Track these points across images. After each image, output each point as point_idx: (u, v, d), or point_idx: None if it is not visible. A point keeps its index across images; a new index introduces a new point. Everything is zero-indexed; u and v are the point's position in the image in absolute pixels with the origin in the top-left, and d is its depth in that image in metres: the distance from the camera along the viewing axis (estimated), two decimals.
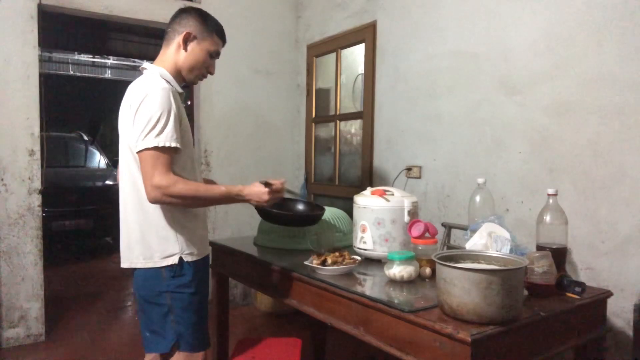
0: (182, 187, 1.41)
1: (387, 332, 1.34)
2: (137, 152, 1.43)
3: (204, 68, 1.61)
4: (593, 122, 1.90)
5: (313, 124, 3.75)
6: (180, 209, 1.52)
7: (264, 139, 3.78)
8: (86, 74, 10.83)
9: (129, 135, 1.49)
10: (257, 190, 1.54)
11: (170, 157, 1.42)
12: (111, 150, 7.19)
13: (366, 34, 3.08)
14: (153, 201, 1.43)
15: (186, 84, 1.64)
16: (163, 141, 1.40)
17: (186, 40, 1.56)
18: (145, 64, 1.62)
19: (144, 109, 1.42)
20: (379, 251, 1.77)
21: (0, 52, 2.82)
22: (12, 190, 2.88)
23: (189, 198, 1.44)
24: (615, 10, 1.82)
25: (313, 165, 3.75)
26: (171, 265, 1.51)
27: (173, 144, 1.42)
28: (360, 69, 3.23)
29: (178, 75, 1.59)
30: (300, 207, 2.12)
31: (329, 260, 1.66)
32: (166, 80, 1.52)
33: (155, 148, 1.40)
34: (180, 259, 1.52)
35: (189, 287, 1.54)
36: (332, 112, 3.58)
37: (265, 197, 1.54)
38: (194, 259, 1.56)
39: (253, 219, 2.54)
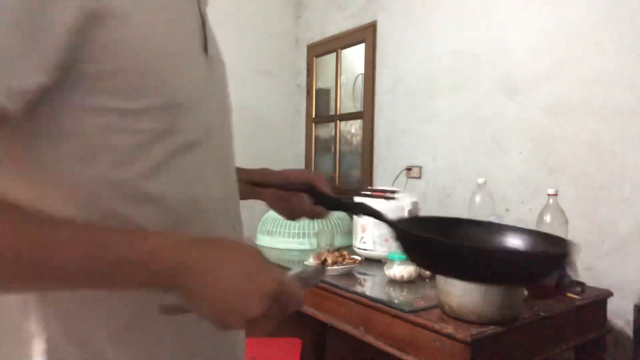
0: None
1: (387, 332, 1.34)
2: None
3: None
4: (593, 122, 1.90)
5: (313, 124, 3.75)
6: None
7: (264, 139, 3.77)
8: None
9: None
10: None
11: None
12: None
13: (366, 34, 3.08)
14: None
15: None
16: None
17: None
18: None
19: None
20: (379, 251, 1.77)
21: None
22: None
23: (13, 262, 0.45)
24: (615, 10, 1.83)
25: (313, 166, 3.75)
26: None
27: None
28: (360, 69, 3.23)
29: None
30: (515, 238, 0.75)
31: (329, 260, 1.66)
32: None
33: None
34: None
35: None
36: (332, 112, 3.57)
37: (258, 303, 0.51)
38: None
39: (253, 219, 2.54)
